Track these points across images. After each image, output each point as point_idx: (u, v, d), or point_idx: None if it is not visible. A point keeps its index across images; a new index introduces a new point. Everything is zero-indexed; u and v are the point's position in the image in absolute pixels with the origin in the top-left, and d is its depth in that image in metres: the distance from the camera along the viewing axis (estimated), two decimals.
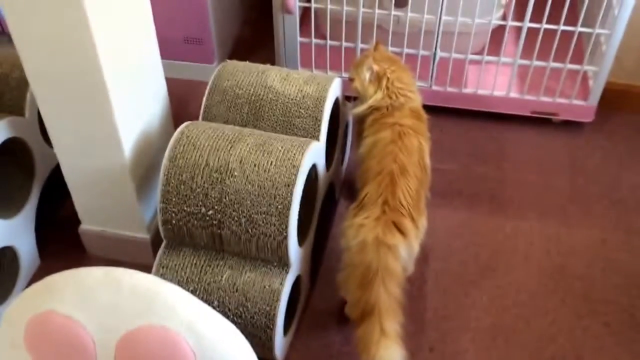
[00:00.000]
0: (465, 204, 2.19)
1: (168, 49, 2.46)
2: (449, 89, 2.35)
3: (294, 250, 1.63)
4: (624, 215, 2.17)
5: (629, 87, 2.47)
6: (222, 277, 1.62)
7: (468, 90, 2.35)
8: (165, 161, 1.60)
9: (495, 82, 2.31)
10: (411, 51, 2.25)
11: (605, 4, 2.10)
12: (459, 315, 1.90)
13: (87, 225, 1.95)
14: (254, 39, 2.81)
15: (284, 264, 1.64)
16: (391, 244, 1.58)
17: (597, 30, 2.17)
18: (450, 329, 1.87)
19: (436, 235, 2.07)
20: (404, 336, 1.58)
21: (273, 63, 2.38)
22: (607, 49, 2.19)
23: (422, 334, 1.85)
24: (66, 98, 1.60)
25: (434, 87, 2.35)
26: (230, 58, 2.63)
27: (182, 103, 2.47)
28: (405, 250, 1.61)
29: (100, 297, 1.35)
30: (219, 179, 1.57)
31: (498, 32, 2.27)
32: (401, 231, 1.61)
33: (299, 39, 2.29)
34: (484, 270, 2.01)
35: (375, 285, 1.56)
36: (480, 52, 2.30)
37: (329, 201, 2.05)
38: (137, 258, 1.90)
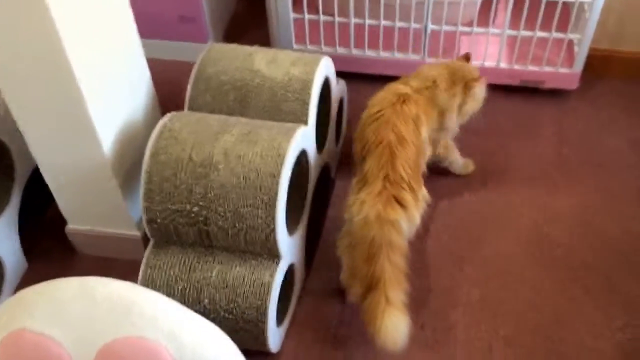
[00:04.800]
0: (456, 176, 1.84)
1: (160, 29, 2.06)
2: (442, 61, 1.97)
3: (284, 241, 1.31)
4: (604, 180, 1.84)
5: (612, 52, 2.09)
6: (211, 273, 1.31)
7: None
8: (146, 158, 1.27)
9: (486, 53, 1.94)
10: (403, 24, 1.88)
11: None
12: (450, 291, 1.59)
13: (74, 225, 1.60)
14: (250, 15, 2.37)
15: (274, 255, 1.32)
16: (393, 219, 1.35)
17: None
18: (441, 305, 1.57)
19: (427, 210, 1.72)
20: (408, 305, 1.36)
21: (268, 40, 2.02)
22: (590, 15, 1.81)
23: (413, 311, 1.54)
24: (33, 91, 1.25)
25: (427, 59, 1.98)
26: (225, 36, 2.25)
27: (176, 86, 2.07)
28: (406, 223, 1.39)
29: (74, 310, 1.05)
30: (203, 174, 1.24)
31: (487, 3, 1.88)
32: (402, 205, 1.38)
33: (291, 14, 1.91)
34: (475, 243, 1.69)
35: (380, 260, 1.35)
36: (470, 23, 1.93)
37: (324, 182, 1.72)
38: (130, 254, 1.57)
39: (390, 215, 1.35)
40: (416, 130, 1.48)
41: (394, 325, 1.32)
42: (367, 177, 1.41)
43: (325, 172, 1.69)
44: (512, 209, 1.78)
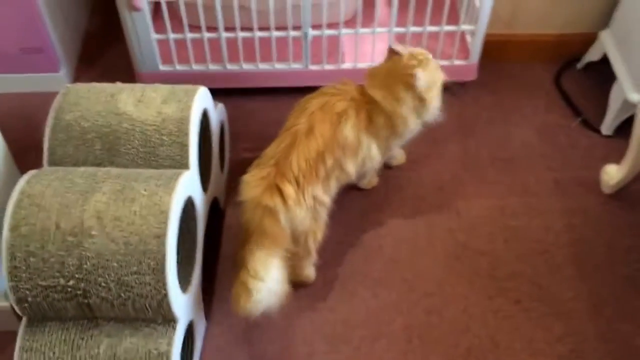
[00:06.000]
0: (358, 190, 1.91)
1: (5, 63, 2.05)
2: (327, 67, 2.04)
3: (179, 303, 1.34)
4: (517, 176, 1.98)
5: (507, 36, 2.24)
6: (99, 349, 1.31)
7: (346, 65, 2.05)
8: (5, 232, 1.25)
9: (374, 53, 2.02)
10: (281, 34, 1.93)
11: None
12: (370, 321, 1.67)
13: None
14: (105, 33, 2.34)
15: (169, 319, 1.34)
16: (269, 206, 1.46)
17: None
18: (363, 338, 1.63)
19: (333, 230, 1.75)
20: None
21: (129, 59, 2.01)
22: (482, 6, 1.93)
23: (335, 351, 1.61)
24: None
25: (311, 67, 2.04)
26: (81, 60, 2.24)
27: (32, 121, 2.04)
28: (284, 215, 1.48)
29: None
30: (75, 243, 1.24)
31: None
32: (282, 196, 1.48)
33: (154, 36, 1.91)
34: (389, 263, 1.78)
35: (250, 243, 1.46)
36: (353, 20, 2.00)
37: (214, 216, 1.74)
38: (4, 326, 1.54)
39: (266, 201, 1.46)
40: (335, 126, 1.56)
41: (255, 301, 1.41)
42: (262, 159, 1.54)
43: (213, 206, 1.72)
44: (423, 220, 1.87)
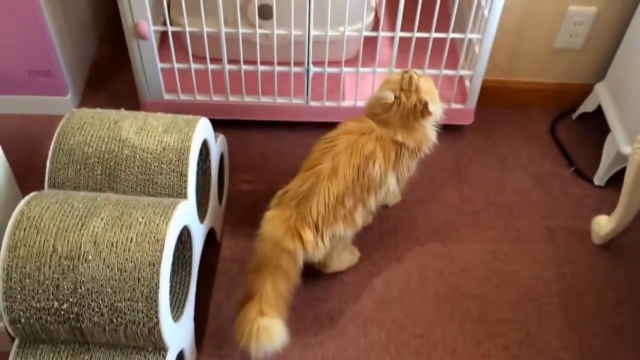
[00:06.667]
0: None
1: (13, 84, 2.07)
2: (327, 104, 2.07)
3: (170, 332, 1.33)
4: (511, 222, 1.99)
5: (503, 82, 2.27)
6: None
7: (347, 103, 2.08)
8: (3, 252, 1.26)
9: (374, 93, 2.04)
10: (283, 69, 1.95)
11: (474, 7, 1.89)
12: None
13: None
14: (113, 60, 2.37)
15: (159, 348, 1.34)
16: (289, 249, 1.51)
17: (469, 36, 1.95)
18: None
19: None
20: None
21: (135, 86, 2.03)
22: (480, 53, 1.97)
23: None
24: None
25: (311, 103, 2.06)
26: (88, 85, 2.28)
27: (37, 143, 2.08)
28: (302, 257, 1.55)
29: None
30: (71, 267, 1.24)
31: (372, 38, 1.99)
32: (302, 241, 1.53)
33: (159, 65, 1.94)
34: (380, 303, 1.78)
35: (263, 274, 1.51)
36: (354, 58, 2.03)
37: (209, 247, 1.75)
38: None
39: (287, 244, 1.51)
40: (363, 169, 1.57)
41: (265, 326, 1.47)
42: (284, 198, 1.57)
43: (210, 237, 1.72)
44: (415, 262, 1.87)
